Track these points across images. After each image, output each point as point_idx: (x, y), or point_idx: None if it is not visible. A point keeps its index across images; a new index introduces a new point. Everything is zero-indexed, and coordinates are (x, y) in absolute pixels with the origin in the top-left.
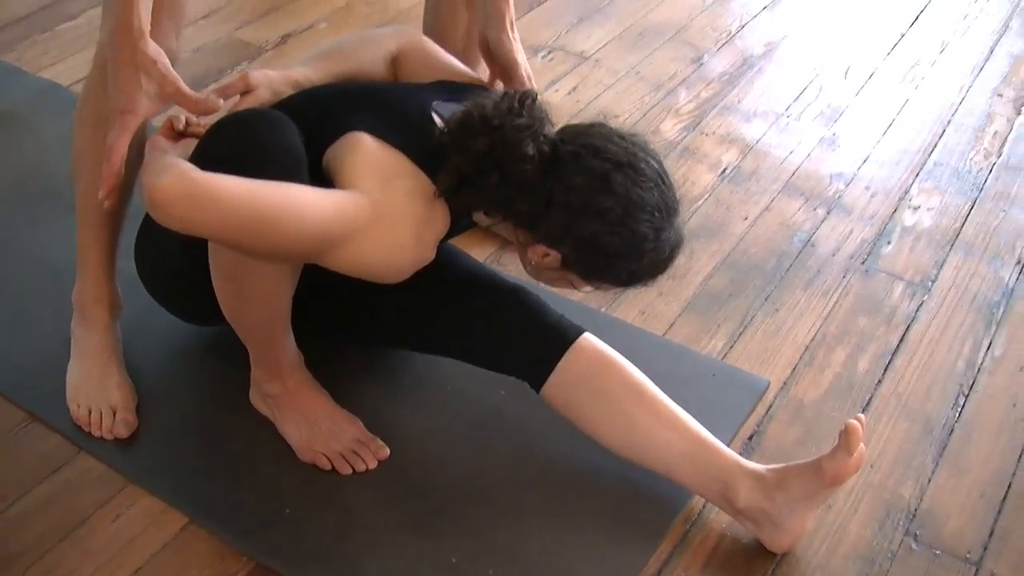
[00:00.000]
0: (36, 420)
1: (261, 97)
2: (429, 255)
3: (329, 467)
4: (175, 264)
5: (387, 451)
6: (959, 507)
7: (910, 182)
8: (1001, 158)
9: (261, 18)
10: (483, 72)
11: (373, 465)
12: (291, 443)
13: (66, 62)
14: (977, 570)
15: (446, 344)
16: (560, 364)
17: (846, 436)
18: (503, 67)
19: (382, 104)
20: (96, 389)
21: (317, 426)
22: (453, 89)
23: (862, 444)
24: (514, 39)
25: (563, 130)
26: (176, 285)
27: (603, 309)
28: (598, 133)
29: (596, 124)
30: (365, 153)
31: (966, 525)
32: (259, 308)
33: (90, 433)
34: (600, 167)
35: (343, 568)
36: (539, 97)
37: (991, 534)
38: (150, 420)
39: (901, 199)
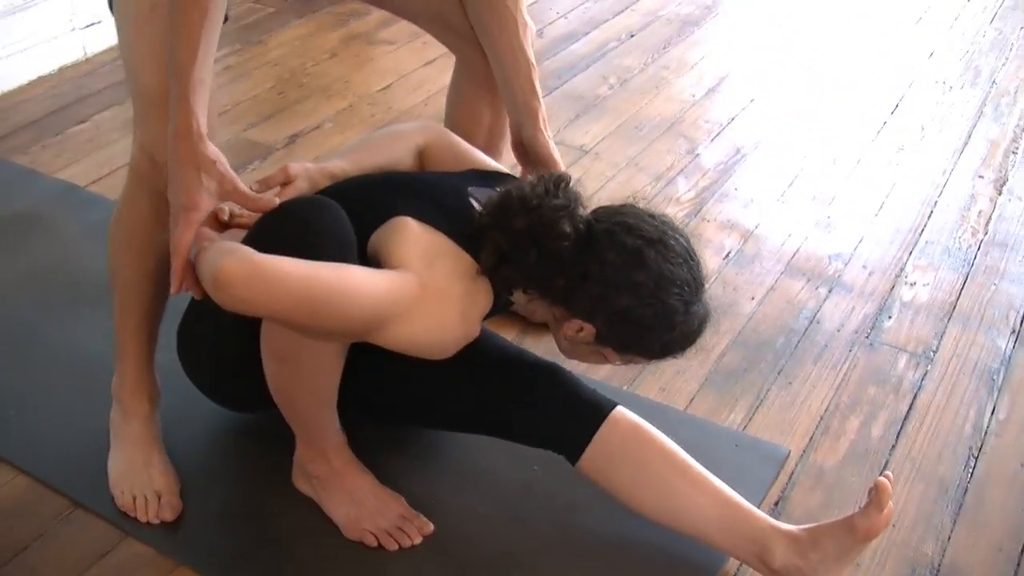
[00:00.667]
0: (79, 507)
1: (300, 188)
2: (474, 332)
3: (376, 544)
4: (222, 351)
5: (431, 527)
6: (979, 562)
7: (904, 259)
8: (988, 235)
9: (267, 120)
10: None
11: (418, 540)
12: (337, 521)
13: (79, 164)
14: None
15: (483, 421)
16: (597, 436)
17: (877, 493)
18: (539, 164)
19: (423, 191)
20: (139, 476)
21: (363, 504)
22: (485, 176)
23: (890, 501)
24: (548, 136)
25: (596, 210)
26: (222, 372)
27: (625, 387)
28: (630, 212)
29: (627, 205)
30: (410, 235)
31: None
32: (310, 389)
33: (136, 519)
34: (633, 243)
35: None
36: (572, 181)
37: None
38: (194, 504)
39: (897, 276)
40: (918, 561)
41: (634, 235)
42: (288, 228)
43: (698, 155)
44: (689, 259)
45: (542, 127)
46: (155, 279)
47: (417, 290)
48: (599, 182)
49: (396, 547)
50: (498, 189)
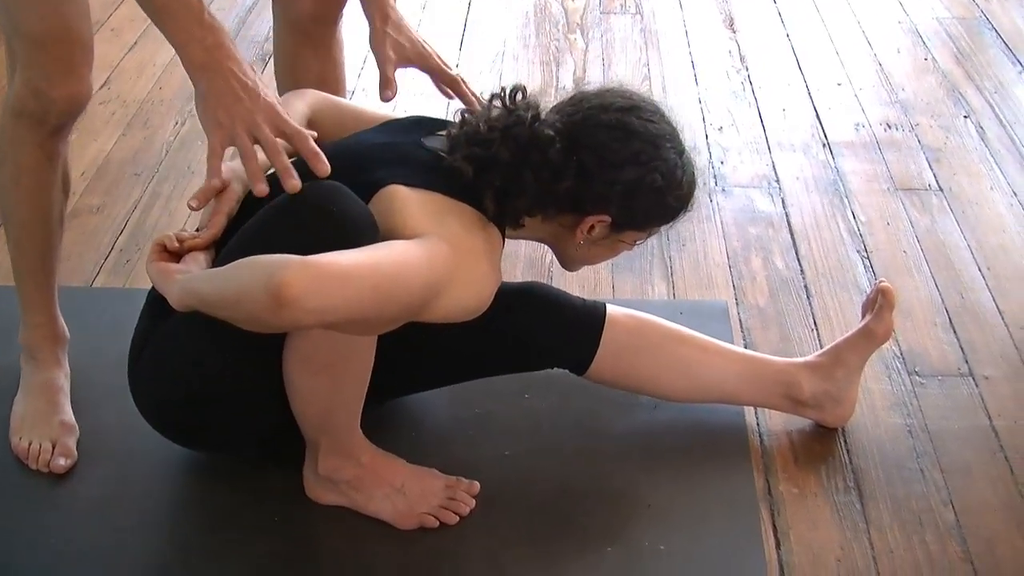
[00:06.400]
0: None
1: (236, 191)
2: (500, 278)
3: (437, 523)
4: (219, 386)
5: (477, 485)
6: (927, 335)
7: (699, 106)
8: (749, 71)
9: None
10: None
11: (472, 504)
12: (386, 517)
13: None
14: (974, 380)
15: (485, 364)
16: (603, 339)
17: (885, 295)
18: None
19: (389, 155)
20: (40, 424)
21: (407, 491)
22: (417, 123)
23: None
24: (401, 31)
25: (559, 108)
26: (211, 409)
27: None
28: (592, 94)
29: (578, 92)
30: (409, 202)
31: (939, 350)
32: (350, 394)
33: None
34: (614, 119)
35: None
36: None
37: (961, 348)
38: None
39: (702, 122)
40: (882, 353)
41: (610, 111)
42: (318, 221)
43: None
44: (662, 112)
45: (387, 26)
46: (48, 216)
47: (450, 253)
48: None
49: (456, 518)
50: (442, 133)
